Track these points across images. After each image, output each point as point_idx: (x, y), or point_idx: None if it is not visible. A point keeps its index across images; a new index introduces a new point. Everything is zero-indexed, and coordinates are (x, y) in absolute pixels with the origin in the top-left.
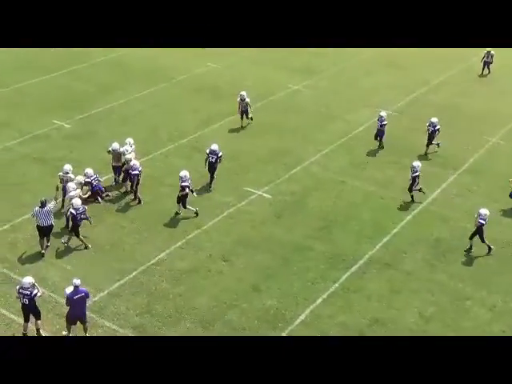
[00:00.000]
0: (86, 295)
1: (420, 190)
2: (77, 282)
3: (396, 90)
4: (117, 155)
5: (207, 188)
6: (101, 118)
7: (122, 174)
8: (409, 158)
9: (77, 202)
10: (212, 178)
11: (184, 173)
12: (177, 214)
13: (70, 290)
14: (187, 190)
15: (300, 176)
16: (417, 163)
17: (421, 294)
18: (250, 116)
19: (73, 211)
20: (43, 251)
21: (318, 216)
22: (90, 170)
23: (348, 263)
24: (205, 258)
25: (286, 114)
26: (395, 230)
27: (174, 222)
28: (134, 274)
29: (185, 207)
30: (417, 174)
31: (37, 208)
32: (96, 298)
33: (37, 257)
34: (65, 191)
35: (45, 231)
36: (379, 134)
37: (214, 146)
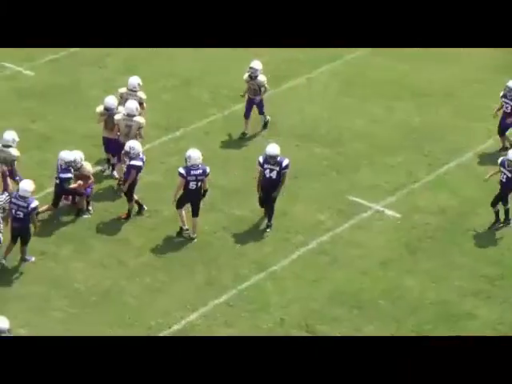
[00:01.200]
0: None
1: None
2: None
3: None
4: (112, 119)
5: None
6: (89, 60)
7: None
8: None
9: None
10: (270, 210)
11: (191, 152)
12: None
13: None
14: (195, 185)
15: (456, 178)
16: None
17: None
18: (265, 118)
19: None
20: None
21: (490, 254)
22: (69, 155)
23: None
24: (272, 324)
25: (429, 61)
26: None
27: (215, 256)
28: None
29: (183, 225)
30: None
31: None
32: None
33: None
34: (5, 182)
35: None
36: (504, 126)
37: (273, 148)
